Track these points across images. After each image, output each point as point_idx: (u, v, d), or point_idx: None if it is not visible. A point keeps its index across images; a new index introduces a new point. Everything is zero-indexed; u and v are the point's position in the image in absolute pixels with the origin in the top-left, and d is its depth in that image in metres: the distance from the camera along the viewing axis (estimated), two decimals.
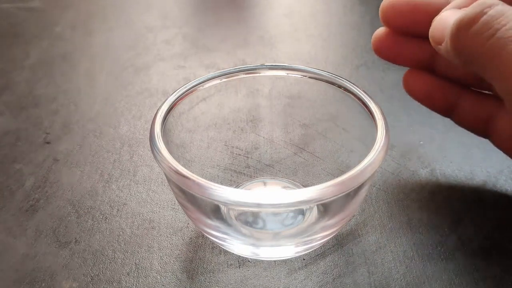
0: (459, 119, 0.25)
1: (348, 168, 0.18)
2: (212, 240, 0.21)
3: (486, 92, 0.24)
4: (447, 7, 0.21)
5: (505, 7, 0.18)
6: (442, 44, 0.20)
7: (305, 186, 0.25)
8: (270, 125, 0.26)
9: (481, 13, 0.18)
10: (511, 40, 0.17)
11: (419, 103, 0.25)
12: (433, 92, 0.24)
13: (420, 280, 0.21)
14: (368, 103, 0.21)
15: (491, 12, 0.18)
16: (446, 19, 0.20)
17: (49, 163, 0.28)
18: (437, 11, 0.21)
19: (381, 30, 0.24)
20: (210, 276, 0.21)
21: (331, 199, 0.18)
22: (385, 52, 0.24)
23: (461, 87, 0.24)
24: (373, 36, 0.24)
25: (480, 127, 0.24)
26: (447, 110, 0.25)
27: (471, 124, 0.25)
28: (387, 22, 0.24)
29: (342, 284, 0.21)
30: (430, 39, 0.21)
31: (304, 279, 0.21)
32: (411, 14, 0.23)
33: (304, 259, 0.22)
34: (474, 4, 0.18)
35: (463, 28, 0.18)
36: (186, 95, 0.23)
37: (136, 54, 0.40)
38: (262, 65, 0.25)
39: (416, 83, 0.25)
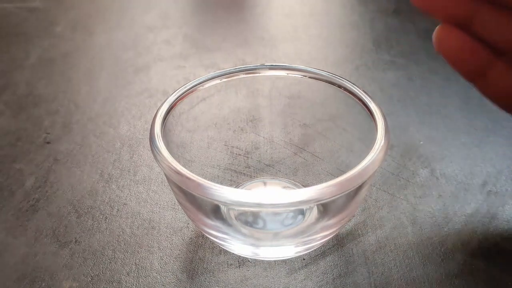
0: (484, 87, 0.23)
1: (348, 168, 0.18)
2: (212, 240, 0.21)
3: None
4: None
5: None
6: None
7: (305, 186, 0.25)
8: (270, 125, 0.26)
9: None
10: None
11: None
12: (466, 51, 0.23)
13: (420, 280, 0.21)
14: (368, 103, 0.21)
15: None
16: None
17: (49, 163, 0.28)
18: None
19: None
20: (210, 276, 0.21)
21: (331, 199, 0.18)
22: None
23: (495, 53, 0.22)
24: None
25: (506, 100, 0.23)
26: (475, 74, 0.23)
27: (497, 94, 0.23)
28: None
29: (342, 284, 0.21)
30: None
31: (304, 279, 0.21)
32: None
33: (304, 259, 0.22)
34: None
35: None
36: (186, 95, 0.23)
37: (136, 54, 0.40)
38: (262, 65, 0.25)
39: (449, 39, 0.23)
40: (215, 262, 0.22)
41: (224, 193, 0.17)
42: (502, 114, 0.23)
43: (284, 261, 0.22)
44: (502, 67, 0.22)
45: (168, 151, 0.19)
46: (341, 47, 0.41)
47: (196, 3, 0.52)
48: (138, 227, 0.24)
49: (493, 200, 0.25)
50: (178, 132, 0.23)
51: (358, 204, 0.20)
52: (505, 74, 0.22)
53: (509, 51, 0.22)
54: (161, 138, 0.20)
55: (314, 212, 0.22)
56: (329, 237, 0.21)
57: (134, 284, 0.21)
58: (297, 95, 0.25)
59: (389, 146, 0.20)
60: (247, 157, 0.26)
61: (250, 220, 0.23)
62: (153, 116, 0.21)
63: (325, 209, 0.22)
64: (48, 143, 0.30)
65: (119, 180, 0.27)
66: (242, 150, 0.26)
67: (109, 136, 0.30)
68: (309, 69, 0.24)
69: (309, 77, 0.24)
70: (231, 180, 0.25)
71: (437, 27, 0.23)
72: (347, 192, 0.18)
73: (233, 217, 0.23)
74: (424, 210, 0.24)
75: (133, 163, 0.28)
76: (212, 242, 0.23)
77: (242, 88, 0.25)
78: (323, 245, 0.22)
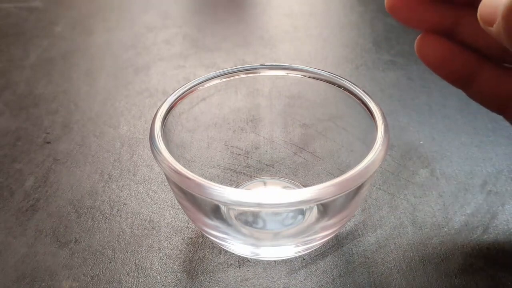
0: (474, 92, 0.23)
1: (348, 168, 0.18)
2: (212, 240, 0.21)
3: (508, 65, 0.22)
4: None
5: None
6: (494, 26, 0.17)
7: (305, 186, 0.25)
8: (270, 125, 0.26)
9: None
10: None
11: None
12: (451, 58, 0.22)
13: (420, 280, 0.21)
14: (368, 103, 0.21)
15: None
16: None
17: (49, 163, 0.28)
18: None
19: None
20: (210, 276, 0.21)
21: (331, 199, 0.18)
22: (401, 11, 0.21)
23: (482, 58, 0.22)
24: None
25: (497, 103, 0.22)
26: (463, 81, 0.23)
27: (488, 99, 0.23)
28: None
29: (342, 284, 0.21)
30: (479, 18, 0.18)
31: (304, 279, 0.21)
32: None
33: (304, 259, 0.22)
34: None
35: None
36: (186, 95, 0.23)
37: (136, 54, 0.40)
38: (262, 65, 0.25)
39: (432, 48, 0.22)
40: (215, 262, 0.22)
41: (224, 193, 0.17)
42: None
43: (284, 261, 0.22)
44: (490, 71, 0.22)
45: (168, 151, 0.19)
46: (341, 47, 0.41)
47: (196, 3, 0.52)
48: (138, 227, 0.24)
49: (493, 200, 0.25)
50: (178, 132, 0.23)
51: (358, 204, 0.20)
52: (494, 78, 0.22)
53: (495, 55, 0.22)
54: (161, 138, 0.20)
55: (314, 212, 0.22)
56: (329, 237, 0.21)
57: (134, 284, 0.21)
58: (297, 95, 0.25)
59: (389, 146, 0.20)
60: (247, 157, 0.26)
61: (250, 220, 0.23)
62: (153, 116, 0.21)
63: (325, 209, 0.22)
64: (48, 143, 0.30)
65: (119, 180, 0.27)
66: (242, 150, 0.26)
67: (109, 136, 0.30)
68: (309, 69, 0.24)
69: (309, 77, 0.24)
70: (231, 180, 0.25)
71: (419, 36, 0.23)
72: (347, 192, 0.18)
73: (233, 217, 0.23)
74: (424, 210, 0.24)
75: (133, 163, 0.28)
76: (212, 242, 0.23)
77: (242, 88, 0.25)
78: (323, 245, 0.22)
